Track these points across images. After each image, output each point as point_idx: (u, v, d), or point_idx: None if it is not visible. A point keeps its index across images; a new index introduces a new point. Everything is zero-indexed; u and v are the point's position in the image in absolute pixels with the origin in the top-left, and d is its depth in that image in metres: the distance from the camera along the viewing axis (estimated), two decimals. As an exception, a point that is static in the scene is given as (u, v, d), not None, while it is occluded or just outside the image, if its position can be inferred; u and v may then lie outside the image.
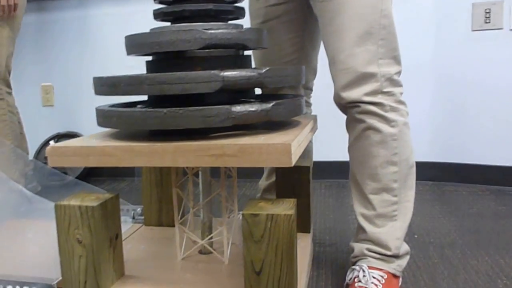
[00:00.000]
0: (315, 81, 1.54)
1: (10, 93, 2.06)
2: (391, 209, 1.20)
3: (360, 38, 1.13)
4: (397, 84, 1.19)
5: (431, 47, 2.31)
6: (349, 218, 1.88)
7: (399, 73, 1.20)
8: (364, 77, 1.13)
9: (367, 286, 1.15)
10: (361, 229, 1.24)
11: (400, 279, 1.25)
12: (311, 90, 1.55)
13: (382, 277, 1.19)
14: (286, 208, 0.84)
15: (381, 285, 1.17)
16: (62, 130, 2.77)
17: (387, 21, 1.16)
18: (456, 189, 2.23)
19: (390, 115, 1.16)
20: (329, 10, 1.18)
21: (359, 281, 1.17)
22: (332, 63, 1.18)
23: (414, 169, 1.24)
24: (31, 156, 2.40)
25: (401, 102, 1.20)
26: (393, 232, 1.21)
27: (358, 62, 1.14)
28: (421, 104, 2.34)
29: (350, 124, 1.21)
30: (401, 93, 1.20)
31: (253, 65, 1.63)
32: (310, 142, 1.40)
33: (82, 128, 2.75)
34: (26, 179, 2.15)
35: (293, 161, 0.79)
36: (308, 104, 1.56)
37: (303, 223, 1.28)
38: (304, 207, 1.27)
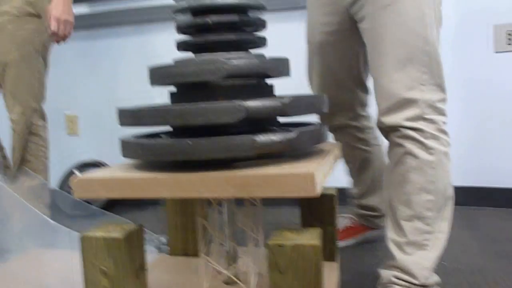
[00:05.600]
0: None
1: (45, 127, 2.10)
2: (422, 238, 1.20)
3: (400, 63, 1.16)
4: (440, 112, 1.20)
5: (454, 69, 2.31)
6: (376, 246, 1.86)
7: (443, 101, 1.22)
8: (405, 103, 1.15)
9: None
10: (390, 255, 1.23)
11: None
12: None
13: None
14: (311, 237, 0.85)
15: None
16: (86, 159, 2.81)
17: (431, 48, 1.18)
18: (485, 214, 2.21)
19: (430, 142, 1.17)
20: (373, 36, 1.21)
21: None
22: (375, 89, 1.20)
23: (451, 202, 1.25)
24: (54, 184, 2.42)
25: (442, 131, 1.21)
26: (422, 261, 1.20)
27: (398, 87, 1.16)
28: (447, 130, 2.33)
29: (390, 149, 1.23)
30: (444, 122, 1.21)
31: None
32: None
33: (106, 157, 2.78)
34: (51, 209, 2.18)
35: (318, 191, 0.79)
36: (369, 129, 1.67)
37: (329, 251, 1.27)
38: (330, 236, 1.27)
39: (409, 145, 1.16)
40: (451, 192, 1.24)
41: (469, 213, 2.24)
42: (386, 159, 1.33)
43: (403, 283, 1.20)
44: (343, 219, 1.89)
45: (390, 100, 1.16)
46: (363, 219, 1.86)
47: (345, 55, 1.47)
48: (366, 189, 1.83)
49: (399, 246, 1.22)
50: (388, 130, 1.19)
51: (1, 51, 2.01)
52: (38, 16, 2.04)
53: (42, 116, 2.08)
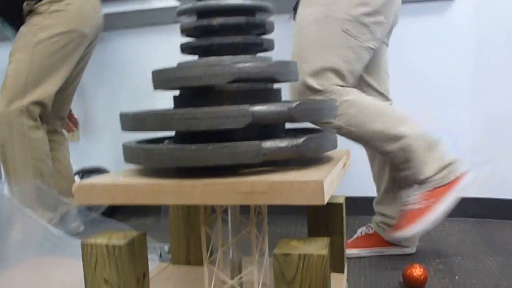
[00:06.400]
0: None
1: (37, 128, 2.10)
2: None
3: None
4: None
5: (470, 77, 2.30)
6: (385, 257, 1.85)
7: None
8: None
9: None
10: None
11: None
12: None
13: None
14: (319, 247, 0.84)
15: None
16: (87, 165, 2.81)
17: None
18: (500, 227, 2.19)
19: None
20: None
21: None
22: None
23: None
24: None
25: None
26: None
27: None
28: (460, 140, 2.32)
29: None
30: None
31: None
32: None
33: (108, 163, 2.79)
34: (68, 219, 2.18)
35: (326, 199, 0.79)
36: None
37: (336, 262, 1.26)
38: (338, 246, 1.26)
39: None
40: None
41: (484, 226, 2.22)
42: None
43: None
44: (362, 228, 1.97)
45: None
46: (379, 227, 1.88)
47: None
48: (383, 194, 1.89)
49: None
50: None
51: None
52: (40, 13, 2.07)
53: (32, 116, 2.08)
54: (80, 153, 2.86)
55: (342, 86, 1.64)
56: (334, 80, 1.62)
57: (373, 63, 1.80)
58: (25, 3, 2.08)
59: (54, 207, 2.13)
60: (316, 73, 1.60)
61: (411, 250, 1.88)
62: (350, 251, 1.85)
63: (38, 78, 2.08)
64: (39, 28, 2.07)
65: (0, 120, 2.03)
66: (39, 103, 2.07)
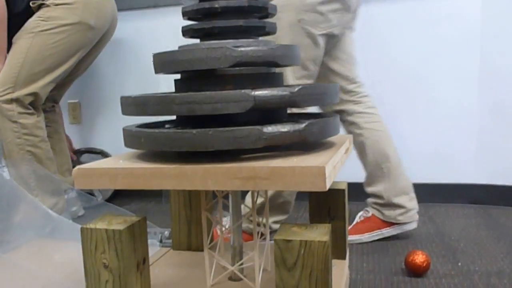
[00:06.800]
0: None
1: (28, 114, 2.10)
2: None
3: None
4: None
5: (478, 67, 2.29)
6: (387, 243, 1.86)
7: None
8: None
9: None
10: None
11: None
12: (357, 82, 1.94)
13: None
14: (320, 233, 0.84)
15: None
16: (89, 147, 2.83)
17: None
18: (503, 213, 2.19)
19: None
20: None
21: None
22: None
23: None
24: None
25: None
26: None
27: None
28: (467, 126, 2.32)
29: None
30: None
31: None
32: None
33: (110, 146, 2.79)
34: (67, 202, 2.19)
35: (328, 185, 0.79)
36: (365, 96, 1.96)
37: (338, 249, 1.27)
38: (340, 232, 1.26)
39: None
40: None
41: (488, 212, 2.23)
42: (383, 141, 1.88)
43: None
44: (361, 213, 2.02)
45: None
46: (374, 209, 1.91)
47: None
48: (370, 175, 1.94)
49: None
50: None
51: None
52: (46, 5, 2.07)
53: (22, 104, 2.07)
54: (81, 136, 2.87)
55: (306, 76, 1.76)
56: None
57: (335, 48, 1.86)
58: (30, 2, 2.08)
59: (57, 192, 2.14)
60: None
61: (412, 226, 1.91)
62: (351, 238, 1.87)
63: (35, 69, 2.08)
64: (43, 19, 2.08)
65: None
66: (32, 94, 2.08)
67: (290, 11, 1.69)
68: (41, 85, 2.09)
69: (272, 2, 1.67)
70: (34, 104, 2.10)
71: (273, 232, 1.76)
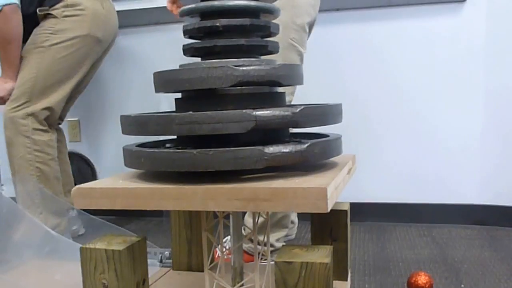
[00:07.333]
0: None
1: (42, 131, 2.11)
2: None
3: None
4: None
5: (481, 83, 2.29)
6: (390, 264, 1.84)
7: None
8: None
9: None
10: None
11: None
12: None
13: None
14: (321, 255, 0.83)
15: None
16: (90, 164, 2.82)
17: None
18: (507, 234, 2.18)
19: None
20: None
21: None
22: None
23: None
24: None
25: None
26: None
27: None
28: (471, 144, 2.31)
29: None
30: None
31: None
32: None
33: (110, 164, 2.79)
34: (68, 221, 2.19)
35: (329, 207, 0.78)
36: None
37: (340, 270, 1.26)
38: (342, 253, 1.25)
39: None
40: None
41: (492, 233, 2.21)
42: None
43: None
44: None
45: None
46: None
47: None
48: None
49: None
50: None
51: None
52: (54, 17, 2.09)
53: (38, 119, 2.08)
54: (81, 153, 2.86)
55: None
56: None
57: None
58: (37, 9, 2.09)
59: (60, 213, 2.14)
60: None
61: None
62: None
63: (48, 83, 2.11)
64: (51, 33, 2.10)
65: (6, 121, 2.07)
66: (47, 109, 2.12)
67: (283, 30, 1.71)
68: (55, 99, 2.13)
69: None
70: (49, 120, 2.13)
71: (274, 251, 1.75)
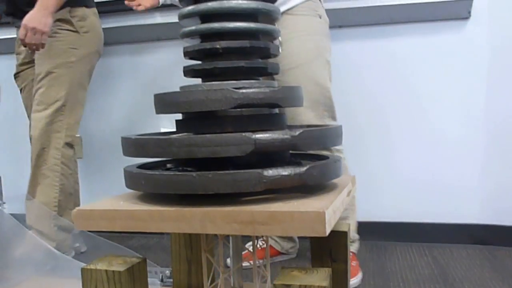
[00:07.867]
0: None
1: (69, 146, 2.18)
2: None
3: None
4: None
5: (484, 101, 2.29)
6: (390, 284, 1.84)
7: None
8: None
9: None
10: None
11: None
12: None
13: None
14: (320, 278, 0.83)
15: None
16: (91, 182, 2.82)
17: (327, 92, 1.87)
18: (508, 254, 2.17)
19: None
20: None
21: None
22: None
23: None
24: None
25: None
26: None
27: (311, 120, 1.81)
28: (472, 164, 2.31)
29: None
30: None
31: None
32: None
33: (112, 181, 2.78)
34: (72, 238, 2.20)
35: (328, 231, 0.78)
36: None
37: (340, 291, 1.25)
38: (341, 275, 1.25)
39: None
40: None
41: (493, 253, 2.20)
42: None
43: None
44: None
45: None
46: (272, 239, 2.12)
47: None
48: None
49: None
50: None
51: (38, 63, 2.15)
52: (76, 31, 2.11)
53: (70, 134, 2.16)
54: (83, 171, 2.86)
55: None
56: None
57: None
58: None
59: (68, 229, 2.15)
60: None
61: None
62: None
63: (76, 98, 2.17)
64: (74, 48, 2.15)
65: (41, 133, 2.12)
66: (77, 123, 2.19)
67: (317, 36, 1.89)
68: (80, 114, 2.22)
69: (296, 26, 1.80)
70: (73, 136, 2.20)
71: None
